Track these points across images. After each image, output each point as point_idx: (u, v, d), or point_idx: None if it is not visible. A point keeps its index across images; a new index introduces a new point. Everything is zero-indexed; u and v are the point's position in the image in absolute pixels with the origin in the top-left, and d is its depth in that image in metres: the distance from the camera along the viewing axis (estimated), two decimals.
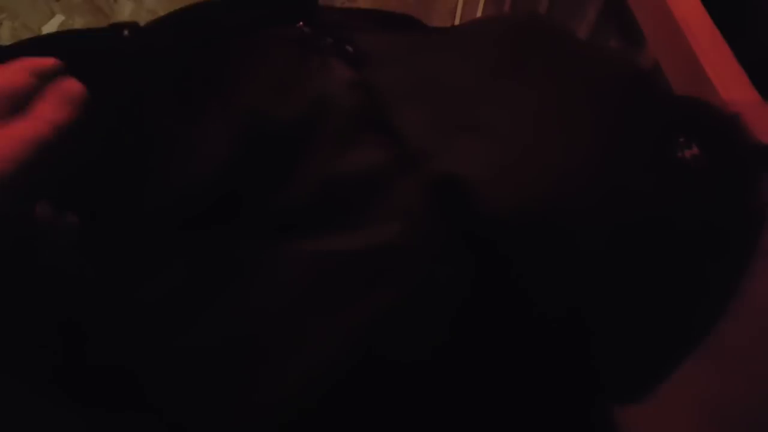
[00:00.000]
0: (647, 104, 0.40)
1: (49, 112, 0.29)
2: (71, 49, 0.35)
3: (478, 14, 1.13)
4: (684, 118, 0.40)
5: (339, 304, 0.33)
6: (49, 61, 0.31)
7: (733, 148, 0.38)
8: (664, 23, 0.52)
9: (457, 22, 1.23)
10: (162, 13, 1.15)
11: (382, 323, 0.33)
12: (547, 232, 0.34)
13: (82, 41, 0.39)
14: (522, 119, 0.38)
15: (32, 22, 1.04)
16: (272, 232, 0.35)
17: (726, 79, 0.46)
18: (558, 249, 0.34)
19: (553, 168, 0.35)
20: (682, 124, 0.39)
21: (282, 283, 0.33)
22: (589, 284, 0.34)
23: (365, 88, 0.39)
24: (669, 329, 0.36)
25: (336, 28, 0.44)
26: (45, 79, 0.30)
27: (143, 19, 1.07)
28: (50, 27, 1.05)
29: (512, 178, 0.34)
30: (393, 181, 0.35)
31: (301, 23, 0.43)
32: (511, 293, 0.34)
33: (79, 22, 1.05)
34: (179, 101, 0.36)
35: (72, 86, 0.30)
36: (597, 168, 0.36)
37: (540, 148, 0.36)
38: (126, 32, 0.39)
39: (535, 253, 0.33)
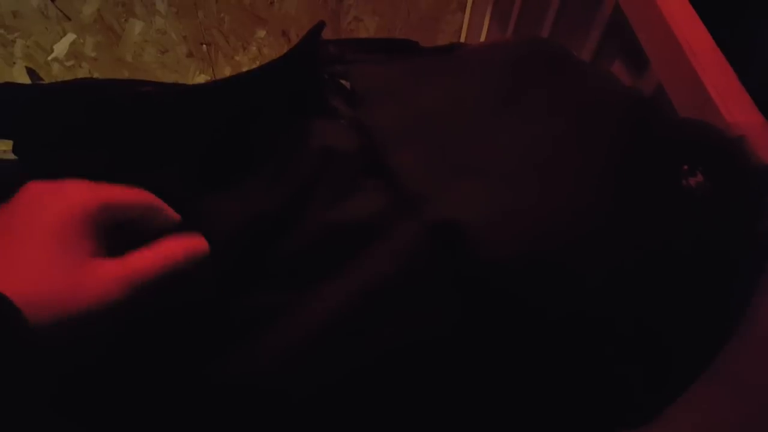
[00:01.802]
0: (650, 135, 0.40)
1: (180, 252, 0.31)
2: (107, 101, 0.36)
3: (483, 34, 1.14)
4: (687, 146, 0.40)
5: (340, 345, 0.33)
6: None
7: (738, 172, 0.38)
8: (667, 45, 0.52)
9: (462, 41, 1.25)
10: (171, 32, 1.16)
11: (381, 360, 0.33)
12: (549, 274, 0.33)
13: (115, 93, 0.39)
14: (521, 158, 0.37)
15: (44, 40, 1.06)
16: (276, 283, 0.35)
17: (729, 100, 0.46)
18: (562, 290, 0.33)
19: (554, 210, 0.35)
20: (686, 152, 0.39)
21: (288, 330, 0.34)
22: (595, 320, 0.34)
23: (363, 130, 0.39)
24: (678, 356, 0.36)
25: (332, 62, 0.44)
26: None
27: (152, 39, 1.09)
28: (62, 46, 1.06)
29: (512, 222, 0.34)
30: (391, 227, 0.35)
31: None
32: (512, 332, 0.33)
33: (90, 41, 1.07)
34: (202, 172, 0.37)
35: (202, 246, 0.33)
36: (599, 207, 0.36)
37: (540, 189, 0.36)
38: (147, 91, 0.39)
39: (538, 295, 0.33)
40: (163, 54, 1.13)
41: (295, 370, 0.33)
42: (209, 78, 1.19)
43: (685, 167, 0.37)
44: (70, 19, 1.04)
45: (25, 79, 1.09)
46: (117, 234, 0.30)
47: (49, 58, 1.07)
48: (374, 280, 0.33)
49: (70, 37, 1.06)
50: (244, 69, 1.20)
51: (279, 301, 0.34)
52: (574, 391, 0.35)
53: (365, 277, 0.34)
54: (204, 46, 1.14)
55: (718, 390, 0.36)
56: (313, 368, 0.33)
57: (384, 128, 0.39)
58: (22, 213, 0.28)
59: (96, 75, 1.13)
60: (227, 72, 1.20)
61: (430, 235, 0.34)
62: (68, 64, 1.09)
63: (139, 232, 0.32)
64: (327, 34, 0.42)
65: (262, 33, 1.15)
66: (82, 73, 1.11)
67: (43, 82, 1.10)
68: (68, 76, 1.11)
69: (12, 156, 0.37)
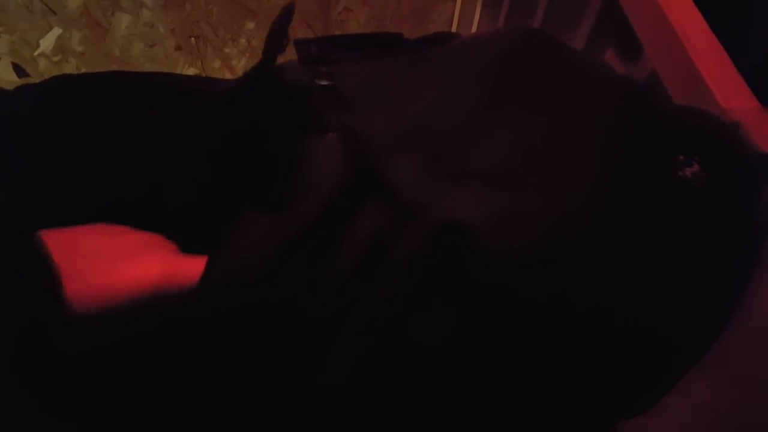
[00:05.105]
0: (645, 126, 0.39)
1: None
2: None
3: (475, 23, 1.14)
4: (683, 136, 0.39)
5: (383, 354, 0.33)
6: None
7: (733, 161, 0.38)
8: (661, 32, 0.52)
9: (453, 31, 1.24)
10: (159, 25, 1.15)
11: (387, 368, 0.33)
12: (552, 272, 0.33)
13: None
14: (516, 156, 0.37)
15: (30, 35, 1.04)
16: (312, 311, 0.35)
17: (725, 86, 0.46)
18: (565, 286, 0.33)
19: (553, 207, 0.35)
20: (682, 142, 0.39)
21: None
22: (595, 313, 0.34)
23: (354, 140, 0.38)
24: (675, 344, 0.36)
25: (315, 62, 0.42)
26: None
27: (140, 33, 1.08)
28: (47, 40, 1.05)
29: (513, 222, 0.34)
30: (395, 238, 0.34)
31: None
32: (516, 329, 0.34)
33: (76, 36, 1.06)
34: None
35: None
36: (596, 202, 0.35)
37: (537, 186, 0.36)
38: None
39: (542, 292, 0.33)
40: (151, 48, 1.12)
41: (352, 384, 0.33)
42: (198, 71, 1.18)
43: (681, 157, 0.37)
44: (55, 14, 1.03)
45: (11, 76, 1.08)
46: None
47: (36, 53, 1.06)
48: (391, 291, 0.33)
49: (57, 31, 1.05)
50: (234, 61, 1.19)
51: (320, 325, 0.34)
52: (574, 383, 0.35)
53: (384, 290, 0.33)
54: (192, 39, 1.13)
55: (712, 377, 0.37)
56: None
57: (376, 136, 0.38)
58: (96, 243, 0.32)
59: (84, 70, 1.11)
60: (217, 65, 1.18)
61: (435, 240, 0.34)
62: (55, 59, 1.08)
63: None
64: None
65: (251, 25, 1.14)
66: (69, 68, 1.10)
67: (25, 84, 1.09)
68: (55, 71, 1.10)
69: None
